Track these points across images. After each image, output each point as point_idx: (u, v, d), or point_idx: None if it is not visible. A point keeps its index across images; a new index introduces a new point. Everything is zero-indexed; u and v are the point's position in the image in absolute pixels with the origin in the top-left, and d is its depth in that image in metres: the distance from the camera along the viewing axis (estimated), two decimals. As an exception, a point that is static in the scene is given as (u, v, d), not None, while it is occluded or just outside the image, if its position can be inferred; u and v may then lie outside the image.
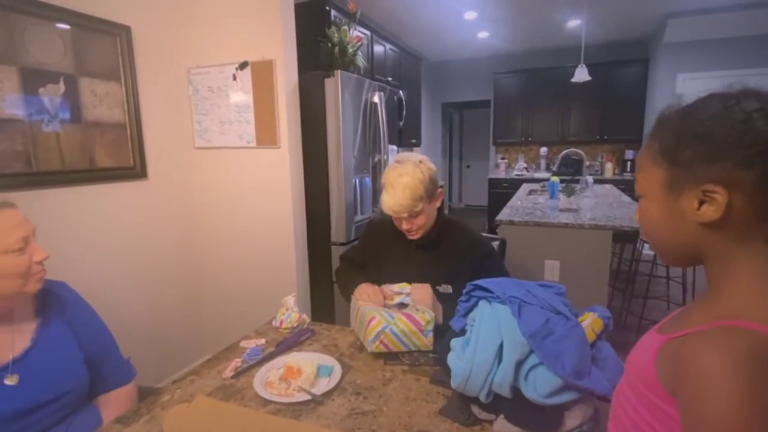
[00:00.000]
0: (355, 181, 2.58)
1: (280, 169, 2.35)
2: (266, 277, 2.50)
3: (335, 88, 2.36)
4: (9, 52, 1.70)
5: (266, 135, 2.32)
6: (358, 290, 1.40)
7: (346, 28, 2.68)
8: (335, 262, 2.55)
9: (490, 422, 0.93)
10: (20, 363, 0.98)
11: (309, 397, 1.03)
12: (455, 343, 0.96)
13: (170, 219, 2.48)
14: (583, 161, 4.20)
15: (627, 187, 5.05)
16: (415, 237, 1.43)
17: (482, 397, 0.89)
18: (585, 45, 4.51)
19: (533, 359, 0.86)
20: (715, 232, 0.58)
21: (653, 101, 5.22)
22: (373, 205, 2.82)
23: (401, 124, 3.37)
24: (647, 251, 3.79)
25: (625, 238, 4.30)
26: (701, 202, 0.57)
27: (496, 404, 0.90)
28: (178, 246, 2.53)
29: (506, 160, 6.73)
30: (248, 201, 2.47)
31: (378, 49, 3.80)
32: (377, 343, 1.19)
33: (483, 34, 5.44)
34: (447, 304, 1.29)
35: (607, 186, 4.57)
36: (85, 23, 1.95)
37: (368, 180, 2.75)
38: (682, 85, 4.81)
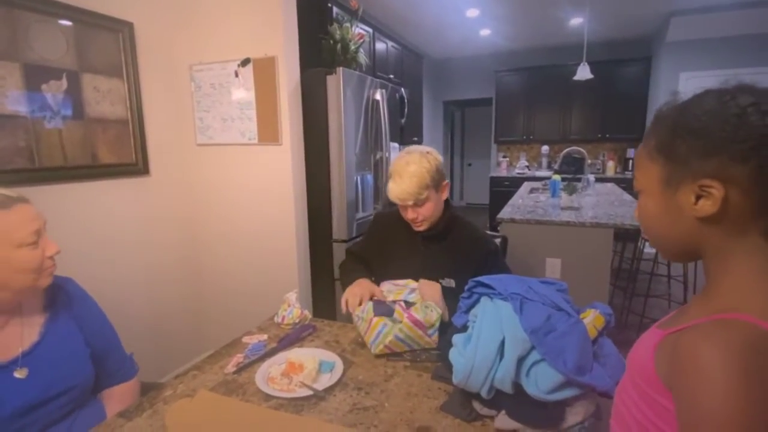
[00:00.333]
0: (357, 178, 2.58)
1: (282, 166, 2.35)
2: (268, 273, 2.51)
3: (337, 85, 2.36)
4: (12, 48, 1.70)
5: (268, 132, 2.32)
6: (348, 290, 1.39)
7: (348, 25, 2.67)
8: (337, 259, 2.56)
9: (492, 418, 0.93)
10: (29, 357, 0.99)
11: (311, 393, 1.04)
12: (457, 339, 0.96)
13: (172, 215, 2.48)
14: (584, 160, 4.20)
15: (628, 186, 5.04)
16: (421, 228, 1.43)
17: (484, 393, 0.89)
18: (587, 43, 4.50)
19: (535, 355, 0.86)
20: (712, 226, 0.58)
21: (655, 100, 5.21)
22: (374, 203, 2.82)
23: (403, 121, 3.36)
24: (649, 250, 3.78)
25: (626, 236, 4.30)
26: (698, 197, 0.57)
27: (497, 400, 0.91)
28: (180, 242, 2.54)
29: (508, 159, 6.72)
30: (250, 198, 2.48)
31: (380, 46, 3.80)
32: (382, 347, 1.19)
33: (485, 32, 5.43)
34: (449, 297, 1.30)
35: (609, 184, 4.57)
36: (87, 19, 1.95)
37: (370, 177, 2.75)
38: (684, 84, 4.80)
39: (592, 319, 0.95)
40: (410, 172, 1.35)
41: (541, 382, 0.84)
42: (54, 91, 1.84)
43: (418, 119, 4.80)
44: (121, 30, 2.10)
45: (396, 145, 3.08)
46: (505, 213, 2.86)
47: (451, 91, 7.17)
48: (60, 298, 1.09)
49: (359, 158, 2.59)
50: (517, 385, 0.87)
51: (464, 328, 1.01)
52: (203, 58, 2.41)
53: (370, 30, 3.59)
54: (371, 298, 1.33)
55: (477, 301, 1.02)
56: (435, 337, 1.20)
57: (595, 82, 5.02)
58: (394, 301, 1.30)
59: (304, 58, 2.40)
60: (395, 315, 1.21)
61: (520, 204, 3.30)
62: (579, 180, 4.02)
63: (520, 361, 0.86)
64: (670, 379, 0.56)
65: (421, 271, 1.42)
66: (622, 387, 0.68)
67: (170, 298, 2.50)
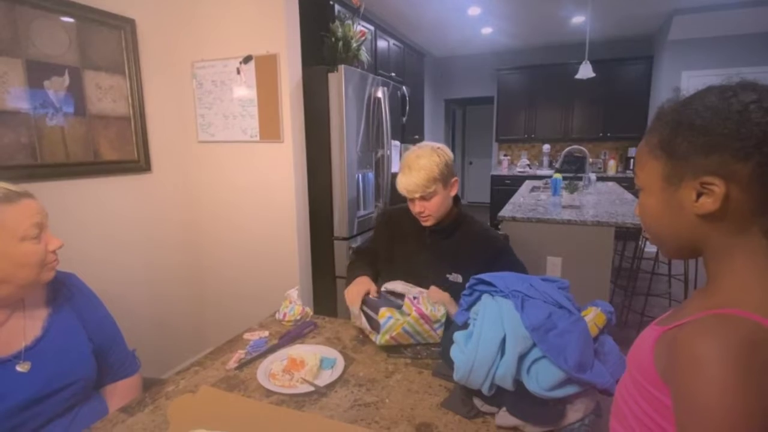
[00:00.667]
0: (358, 176, 2.58)
1: (284, 163, 2.36)
2: (269, 270, 2.51)
3: (339, 82, 2.36)
4: (14, 44, 1.70)
5: (270, 129, 2.33)
6: (347, 290, 1.39)
7: (349, 22, 2.67)
8: (338, 257, 2.56)
9: (492, 415, 0.93)
10: (32, 351, 0.99)
11: (312, 389, 1.04)
12: (458, 336, 0.97)
13: (174, 212, 2.48)
14: (586, 158, 4.20)
15: (630, 185, 5.04)
16: (428, 223, 1.44)
17: (485, 390, 0.89)
18: (589, 42, 4.50)
19: (536, 353, 0.86)
20: (713, 224, 0.58)
21: (657, 99, 5.20)
22: (375, 201, 2.82)
23: (404, 119, 3.36)
24: (649, 249, 3.79)
25: (627, 235, 4.30)
26: (699, 194, 0.57)
27: (498, 397, 0.91)
28: (181, 240, 2.55)
29: (509, 157, 6.72)
30: (251, 195, 2.48)
31: (381, 44, 3.80)
32: (387, 337, 1.19)
33: (487, 30, 5.42)
34: (455, 293, 1.29)
35: (610, 183, 4.56)
36: (89, 16, 1.95)
37: (371, 175, 2.75)
38: (686, 83, 4.79)
39: (594, 316, 0.95)
40: (420, 165, 1.36)
41: (542, 379, 0.84)
42: (56, 88, 1.85)
43: (419, 117, 4.80)
44: (123, 27, 2.10)
45: (397, 143, 3.08)
46: (506, 211, 2.86)
47: (453, 90, 7.17)
48: (63, 293, 1.09)
49: (360, 156, 2.59)
50: (518, 382, 0.87)
51: (465, 326, 1.01)
52: (205, 55, 2.41)
53: (372, 28, 3.58)
54: (366, 295, 1.33)
55: (478, 298, 1.03)
56: (440, 332, 1.20)
57: (596, 81, 5.02)
58: (390, 293, 1.33)
59: (306, 55, 2.40)
60: (404, 308, 1.21)
61: (521, 202, 3.30)
62: (580, 179, 4.02)
63: (522, 358, 0.86)
64: (667, 374, 0.56)
65: (428, 265, 1.43)
66: (622, 384, 0.68)
67: (172, 295, 2.51)
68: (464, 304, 1.06)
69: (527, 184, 4.69)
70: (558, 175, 3.64)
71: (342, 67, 2.35)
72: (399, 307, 1.23)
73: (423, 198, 1.38)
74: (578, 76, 4.38)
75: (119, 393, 1.15)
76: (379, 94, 2.70)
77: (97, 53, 2.00)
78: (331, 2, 2.82)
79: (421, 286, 1.37)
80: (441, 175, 1.37)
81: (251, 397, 1.04)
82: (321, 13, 2.77)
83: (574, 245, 2.60)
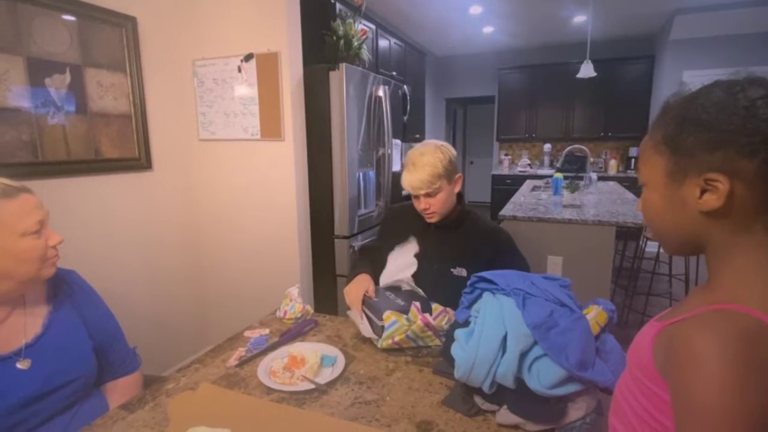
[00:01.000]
0: (359, 174, 2.58)
1: (285, 162, 2.36)
2: (270, 268, 2.51)
3: (340, 81, 2.35)
4: (16, 41, 1.70)
5: (271, 128, 2.32)
6: (346, 289, 1.39)
7: (351, 21, 2.67)
8: (339, 255, 2.56)
9: (493, 413, 0.93)
10: (32, 348, 0.99)
11: (312, 387, 1.04)
12: (459, 333, 0.97)
13: (174, 210, 2.49)
14: (587, 158, 4.19)
15: (631, 184, 5.04)
16: (432, 219, 1.45)
17: (485, 388, 0.89)
18: (590, 41, 4.49)
19: (537, 350, 0.86)
20: (716, 221, 0.57)
21: (658, 98, 5.20)
22: (376, 199, 2.82)
23: (405, 118, 3.36)
24: (650, 248, 3.78)
25: (628, 235, 4.30)
26: (703, 191, 0.57)
27: (499, 395, 0.91)
28: (182, 237, 2.55)
29: (510, 157, 6.72)
30: (252, 193, 2.48)
31: (383, 43, 3.79)
32: (390, 341, 1.19)
33: (488, 30, 5.42)
34: (460, 287, 1.29)
35: (611, 183, 4.55)
36: (91, 14, 1.95)
37: (372, 174, 2.75)
38: (688, 83, 4.78)
39: (595, 315, 0.95)
40: (424, 161, 1.38)
41: (544, 377, 0.84)
42: (57, 86, 1.85)
43: (420, 116, 4.80)
44: (125, 25, 2.10)
45: (398, 142, 3.07)
46: (507, 210, 2.86)
47: (454, 89, 7.16)
48: (63, 289, 1.09)
49: (361, 155, 2.59)
50: (519, 380, 0.87)
51: (466, 323, 1.01)
52: (206, 53, 2.41)
53: (373, 27, 3.58)
54: (365, 295, 1.33)
55: (479, 296, 1.02)
56: (443, 339, 1.20)
57: (597, 81, 5.02)
58: (388, 289, 1.34)
59: (307, 53, 2.40)
60: (410, 315, 1.20)
61: (522, 202, 3.30)
62: (581, 178, 4.02)
63: (523, 356, 0.86)
64: (666, 370, 0.55)
65: (433, 260, 1.44)
66: (622, 380, 0.68)
67: (173, 292, 2.51)
68: (465, 302, 1.06)
69: (528, 184, 4.69)
70: (559, 175, 3.64)
71: (343, 66, 2.34)
72: (401, 309, 1.23)
73: (428, 194, 1.40)
74: (579, 75, 4.37)
75: (120, 390, 1.15)
76: (381, 93, 2.70)
77: (99, 51, 2.00)
78: (333, 1, 2.82)
79: (426, 281, 1.40)
80: (445, 172, 1.39)
81: (252, 394, 1.04)
82: (322, 11, 2.76)
83: (575, 245, 2.60)
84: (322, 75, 2.39)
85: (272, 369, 1.12)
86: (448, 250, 1.46)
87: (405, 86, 3.28)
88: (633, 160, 5.77)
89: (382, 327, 1.20)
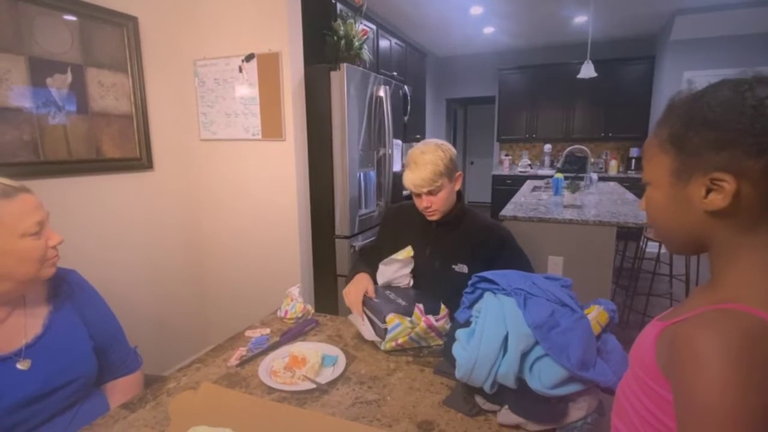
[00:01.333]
0: (360, 174, 2.58)
1: (285, 162, 2.36)
2: (271, 268, 2.51)
3: (341, 81, 2.35)
4: (17, 41, 1.70)
5: (272, 128, 2.32)
6: (345, 291, 1.40)
7: (352, 21, 2.67)
8: (339, 255, 2.56)
9: (494, 413, 0.93)
10: (32, 348, 0.99)
11: (313, 386, 1.04)
12: (460, 333, 0.96)
13: (176, 210, 2.49)
14: (587, 158, 4.19)
15: (632, 185, 5.04)
16: (433, 217, 1.47)
17: (487, 388, 0.89)
18: (591, 41, 4.48)
19: (538, 350, 0.86)
20: (721, 220, 0.57)
21: (659, 99, 5.20)
22: (377, 199, 2.82)
23: (406, 119, 3.36)
24: (651, 249, 3.78)
25: (628, 235, 4.30)
26: (708, 191, 0.56)
27: (500, 395, 0.91)
28: (183, 237, 2.55)
29: (510, 157, 6.72)
30: (253, 193, 2.48)
31: (383, 43, 3.79)
32: (393, 344, 1.19)
33: (488, 30, 5.42)
34: (461, 283, 1.30)
35: (612, 183, 4.56)
36: (92, 14, 1.95)
37: (373, 174, 2.75)
38: (687, 83, 4.77)
39: (596, 314, 0.94)
40: (425, 160, 1.39)
41: (545, 377, 0.84)
42: (59, 85, 1.85)
43: (421, 117, 4.80)
44: (126, 25, 2.10)
45: (399, 142, 3.07)
46: (508, 211, 2.86)
47: (454, 89, 7.16)
48: (63, 289, 1.09)
49: (362, 155, 2.59)
50: (520, 380, 0.87)
51: (467, 323, 1.01)
52: (207, 53, 2.41)
53: (374, 27, 3.58)
54: (365, 296, 1.34)
55: (480, 296, 1.02)
56: (445, 340, 1.21)
57: (598, 81, 5.01)
58: (388, 288, 1.35)
59: (308, 53, 2.40)
60: (413, 318, 1.20)
61: (522, 202, 3.30)
62: (582, 179, 4.02)
63: (524, 356, 0.86)
64: (668, 370, 0.55)
65: (434, 257, 1.46)
66: (625, 380, 0.68)
67: (174, 292, 2.51)
68: (466, 301, 1.06)
69: (528, 184, 4.69)
70: (559, 175, 3.64)
71: (344, 66, 2.34)
72: (403, 309, 1.23)
73: (430, 193, 1.41)
74: (580, 75, 4.37)
75: (121, 390, 1.15)
76: (381, 93, 2.70)
77: (100, 51, 2.01)
78: (333, 1, 2.82)
79: (428, 278, 1.43)
80: (446, 170, 1.41)
81: (253, 394, 1.04)
82: (323, 11, 2.77)
83: (575, 245, 2.60)
84: (323, 75, 2.39)
85: (273, 369, 1.12)
86: (449, 247, 1.47)
87: (405, 86, 3.28)
88: (633, 161, 5.77)
89: (385, 330, 1.19)
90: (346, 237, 2.53)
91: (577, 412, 0.86)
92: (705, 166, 0.56)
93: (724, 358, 0.47)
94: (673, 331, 0.56)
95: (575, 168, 5.64)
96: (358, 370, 1.14)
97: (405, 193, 3.27)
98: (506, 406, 0.90)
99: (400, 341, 1.19)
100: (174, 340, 2.52)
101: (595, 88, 5.58)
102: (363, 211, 2.64)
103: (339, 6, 2.86)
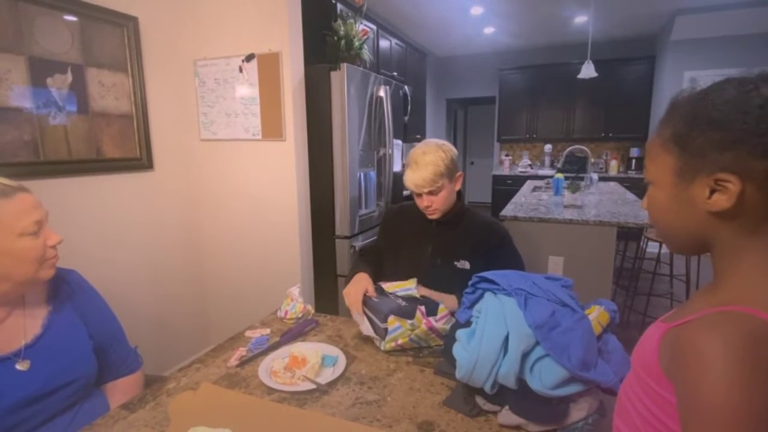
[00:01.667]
0: (360, 175, 2.58)
1: (286, 162, 2.35)
2: (271, 268, 2.51)
3: (341, 81, 2.35)
4: (17, 41, 1.70)
5: (272, 128, 2.32)
6: (345, 291, 1.37)
7: (352, 21, 2.67)
8: (339, 255, 2.56)
9: (495, 413, 0.93)
10: (32, 349, 0.98)
11: (314, 387, 1.04)
12: (461, 334, 0.96)
13: (176, 210, 2.49)
14: (587, 158, 4.18)
15: (632, 185, 5.04)
16: (434, 216, 1.49)
17: (487, 388, 0.89)
18: (591, 41, 4.48)
19: (539, 351, 0.86)
20: (725, 221, 0.56)
21: (659, 99, 5.19)
22: (377, 199, 2.82)
23: (406, 119, 3.36)
24: (651, 249, 3.78)
25: (629, 235, 4.30)
26: (712, 191, 0.55)
27: (500, 395, 0.90)
28: (183, 237, 2.55)
29: (510, 157, 6.72)
30: (253, 194, 2.48)
31: (384, 43, 3.79)
32: (393, 344, 1.19)
33: (489, 30, 5.41)
34: (464, 278, 1.31)
35: (612, 183, 4.55)
36: (92, 14, 1.95)
37: (373, 174, 2.74)
38: (689, 83, 4.77)
39: (597, 315, 0.94)
40: (427, 160, 1.41)
41: (546, 377, 0.84)
42: (59, 85, 1.85)
43: (421, 117, 4.80)
44: (126, 25, 2.10)
45: (399, 142, 3.07)
46: (508, 211, 2.86)
47: (455, 89, 7.16)
48: (63, 289, 1.09)
49: (362, 155, 2.58)
50: (521, 381, 0.86)
51: (468, 324, 1.01)
52: (208, 53, 2.41)
53: (374, 27, 3.58)
54: (365, 296, 1.33)
55: (481, 296, 1.02)
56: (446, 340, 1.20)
57: (598, 81, 5.01)
58: (389, 293, 1.33)
59: (308, 53, 2.40)
60: (414, 321, 1.20)
61: (522, 202, 3.29)
62: (582, 179, 4.02)
63: (525, 356, 0.86)
64: (671, 371, 0.55)
65: (436, 255, 1.49)
66: (627, 382, 0.68)
67: (174, 293, 2.51)
68: (467, 302, 1.06)
69: (529, 184, 4.69)
70: (560, 175, 3.64)
71: (344, 65, 2.34)
72: (402, 310, 1.22)
73: (431, 192, 1.44)
74: (580, 75, 4.37)
75: (121, 390, 1.15)
76: (382, 93, 2.70)
77: (100, 51, 2.00)
78: (334, 1, 2.82)
79: (430, 275, 1.44)
80: (447, 171, 1.43)
81: (252, 394, 1.04)
82: (323, 11, 2.76)
83: (576, 245, 2.60)
84: (324, 75, 2.39)
85: (273, 369, 1.12)
86: (451, 244, 1.50)
87: (406, 86, 3.28)
88: (634, 161, 5.76)
89: (385, 329, 1.19)
90: (346, 237, 2.53)
91: (578, 412, 0.86)
92: (709, 167, 0.55)
93: (728, 360, 0.47)
94: (676, 333, 0.56)
95: (575, 168, 5.63)
96: (358, 370, 1.14)
97: (405, 193, 3.27)
98: (507, 407, 0.90)
99: (400, 342, 1.19)
100: (174, 341, 2.52)
101: (595, 88, 5.57)
102: (363, 211, 2.64)
103: (339, 6, 2.86)
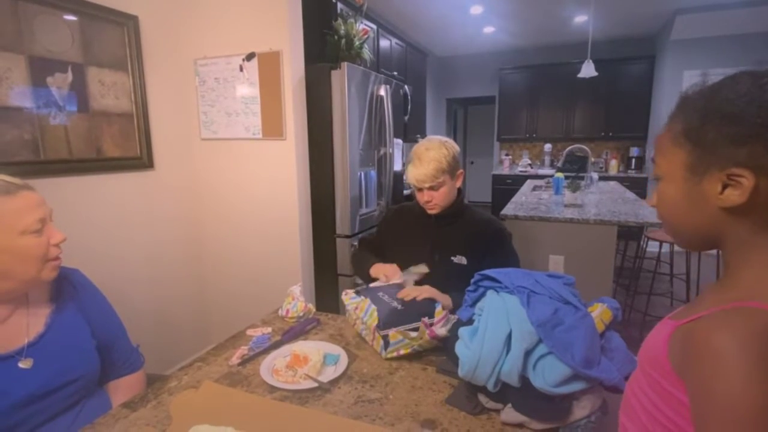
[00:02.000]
0: (360, 174, 2.58)
1: (286, 161, 2.35)
2: (272, 267, 2.51)
3: (341, 80, 2.35)
4: (17, 40, 1.70)
5: (272, 127, 2.32)
6: (374, 269, 1.51)
7: (352, 21, 2.67)
8: (340, 254, 2.56)
9: (498, 411, 0.93)
10: (34, 347, 0.98)
11: (315, 385, 1.04)
12: (463, 332, 0.96)
13: (176, 209, 2.48)
14: (587, 158, 4.18)
15: (632, 184, 5.04)
16: (434, 211, 1.52)
17: (490, 386, 0.88)
18: (591, 41, 4.48)
19: (542, 349, 0.86)
20: (736, 217, 0.56)
21: (659, 98, 5.20)
22: (378, 199, 2.82)
23: (406, 118, 3.36)
24: (651, 248, 3.77)
25: (629, 234, 4.30)
26: (725, 186, 0.55)
27: (503, 393, 0.90)
28: (184, 236, 2.54)
29: (510, 157, 6.71)
30: (254, 193, 2.48)
31: (384, 43, 3.79)
32: (395, 354, 1.18)
33: (489, 30, 5.41)
34: (460, 274, 1.38)
35: (612, 183, 4.56)
36: (93, 12, 1.95)
37: (373, 173, 2.74)
38: (688, 83, 4.72)
39: (600, 312, 0.94)
40: (429, 156, 1.44)
41: (548, 375, 0.84)
42: (59, 84, 1.84)
43: (421, 116, 4.80)
44: (126, 24, 2.10)
45: (399, 141, 3.07)
46: (509, 210, 2.86)
47: (455, 89, 7.16)
48: (66, 288, 1.09)
49: (363, 154, 2.58)
50: (523, 379, 0.86)
51: (470, 322, 1.01)
52: (208, 52, 2.41)
53: (375, 27, 3.58)
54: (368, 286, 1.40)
55: (483, 294, 1.02)
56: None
57: (598, 80, 5.02)
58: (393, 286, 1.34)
59: (309, 53, 2.40)
60: (418, 333, 1.18)
61: (523, 201, 3.29)
62: (582, 178, 4.02)
63: (527, 354, 0.86)
64: (683, 368, 0.54)
65: (434, 249, 1.52)
66: (633, 379, 0.67)
67: (175, 292, 2.51)
68: (469, 300, 1.06)
69: (529, 183, 4.69)
70: (560, 175, 3.64)
71: (345, 65, 2.34)
72: (398, 312, 1.22)
73: (432, 188, 1.47)
74: (580, 75, 4.37)
75: (123, 389, 1.15)
76: (382, 93, 2.70)
77: (100, 50, 2.00)
78: (334, 0, 2.82)
79: (428, 270, 1.45)
80: (449, 167, 1.46)
81: (254, 393, 1.03)
82: (323, 10, 2.76)
83: (576, 244, 2.60)
84: (324, 74, 2.39)
85: (275, 367, 1.12)
86: (448, 240, 1.52)
87: (406, 86, 3.28)
88: (634, 160, 5.77)
89: (386, 337, 1.18)
90: (346, 236, 2.53)
91: (580, 410, 0.86)
92: (722, 161, 0.54)
93: (744, 356, 0.47)
94: (687, 329, 0.55)
95: (575, 167, 5.64)
96: (360, 368, 1.14)
97: (406, 192, 3.27)
98: (509, 405, 0.90)
99: (402, 352, 1.18)
100: (175, 339, 2.52)
101: (595, 87, 5.58)
102: (363, 210, 2.64)
103: (339, 5, 2.86)
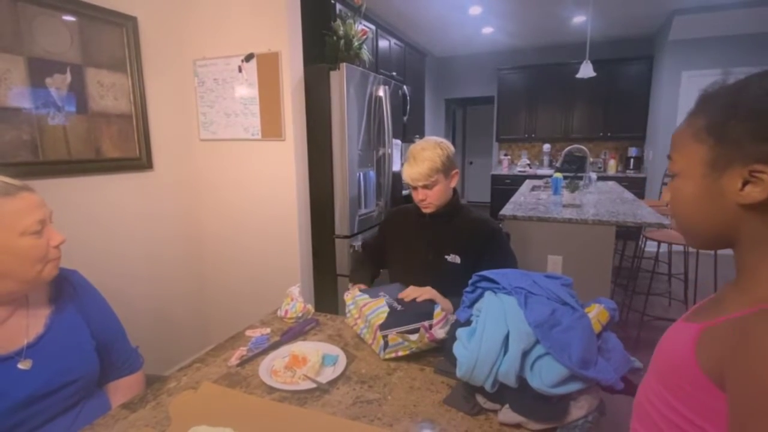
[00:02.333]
0: (359, 174, 2.58)
1: (285, 162, 2.36)
2: (270, 268, 2.51)
3: (340, 81, 2.36)
4: (16, 41, 1.70)
5: (271, 127, 2.32)
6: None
7: (351, 21, 2.67)
8: (339, 255, 2.56)
9: (495, 412, 0.93)
10: (34, 348, 0.98)
11: (314, 386, 1.04)
12: (461, 332, 0.97)
13: (175, 210, 2.49)
14: (586, 158, 4.19)
15: (630, 184, 5.06)
16: (428, 210, 1.54)
17: (488, 387, 0.89)
18: (590, 41, 4.49)
19: (539, 349, 0.86)
20: (755, 214, 0.55)
21: (657, 99, 5.20)
22: (376, 199, 2.82)
23: (405, 119, 3.36)
24: (650, 248, 3.78)
25: (627, 234, 4.31)
26: (745, 183, 0.54)
27: (501, 394, 0.91)
28: (183, 237, 2.55)
29: (509, 157, 6.72)
30: (253, 193, 2.48)
31: (383, 43, 3.80)
32: (393, 355, 1.18)
33: (487, 30, 5.42)
34: (454, 272, 1.41)
35: (611, 183, 4.56)
36: (91, 13, 1.95)
37: (372, 174, 2.75)
38: (686, 83, 4.78)
39: (597, 313, 0.95)
40: (424, 156, 1.48)
41: (546, 375, 0.84)
42: (58, 85, 1.84)
43: (420, 117, 4.81)
44: (125, 24, 2.10)
45: (398, 141, 3.08)
46: (507, 210, 2.86)
47: (453, 89, 7.17)
48: (66, 289, 1.09)
49: (362, 154, 2.59)
50: (521, 379, 0.87)
51: (468, 323, 1.01)
52: (207, 53, 2.41)
53: (373, 27, 3.59)
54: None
55: (481, 295, 1.03)
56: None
57: (597, 81, 5.02)
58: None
59: (308, 53, 2.40)
60: (417, 336, 1.18)
61: (522, 201, 3.30)
62: (581, 178, 4.02)
63: (525, 354, 0.86)
64: (719, 369, 0.53)
65: (429, 248, 1.55)
66: (647, 385, 0.66)
67: (174, 292, 2.51)
68: (467, 301, 1.06)
69: (527, 184, 4.69)
70: (558, 175, 3.64)
71: (344, 65, 2.34)
72: (398, 314, 1.22)
73: (426, 186, 1.50)
74: (579, 75, 4.38)
75: (122, 390, 1.15)
76: (381, 93, 2.70)
77: (99, 51, 2.00)
78: (333, 1, 2.82)
79: (422, 269, 1.51)
80: (443, 167, 1.49)
81: (253, 393, 1.04)
82: (322, 11, 2.77)
83: (574, 244, 2.60)
84: (323, 75, 2.39)
85: (274, 368, 1.12)
86: (443, 239, 1.55)
87: (405, 86, 3.29)
88: (632, 160, 5.78)
89: (386, 338, 1.18)
90: (345, 237, 2.53)
91: (578, 410, 0.86)
92: (745, 158, 0.54)
93: None
94: (721, 330, 0.55)
95: (574, 167, 5.65)
96: (358, 369, 1.14)
97: (405, 193, 3.28)
98: (507, 405, 0.90)
99: (400, 353, 1.18)
100: (174, 340, 2.52)
101: (593, 87, 5.59)
102: (363, 210, 2.65)
103: (338, 6, 2.87)
